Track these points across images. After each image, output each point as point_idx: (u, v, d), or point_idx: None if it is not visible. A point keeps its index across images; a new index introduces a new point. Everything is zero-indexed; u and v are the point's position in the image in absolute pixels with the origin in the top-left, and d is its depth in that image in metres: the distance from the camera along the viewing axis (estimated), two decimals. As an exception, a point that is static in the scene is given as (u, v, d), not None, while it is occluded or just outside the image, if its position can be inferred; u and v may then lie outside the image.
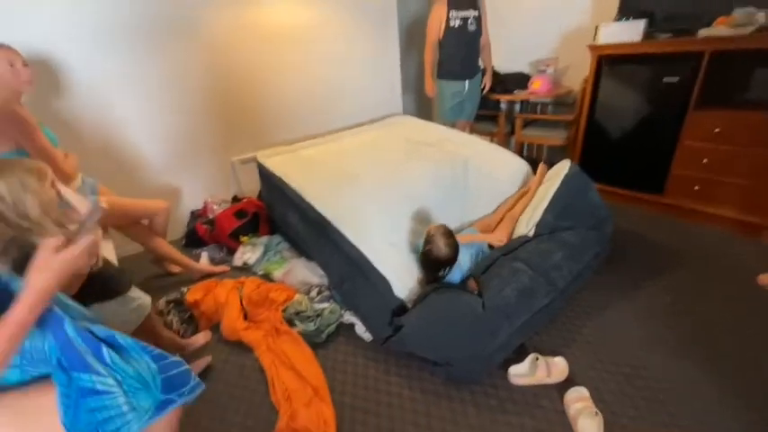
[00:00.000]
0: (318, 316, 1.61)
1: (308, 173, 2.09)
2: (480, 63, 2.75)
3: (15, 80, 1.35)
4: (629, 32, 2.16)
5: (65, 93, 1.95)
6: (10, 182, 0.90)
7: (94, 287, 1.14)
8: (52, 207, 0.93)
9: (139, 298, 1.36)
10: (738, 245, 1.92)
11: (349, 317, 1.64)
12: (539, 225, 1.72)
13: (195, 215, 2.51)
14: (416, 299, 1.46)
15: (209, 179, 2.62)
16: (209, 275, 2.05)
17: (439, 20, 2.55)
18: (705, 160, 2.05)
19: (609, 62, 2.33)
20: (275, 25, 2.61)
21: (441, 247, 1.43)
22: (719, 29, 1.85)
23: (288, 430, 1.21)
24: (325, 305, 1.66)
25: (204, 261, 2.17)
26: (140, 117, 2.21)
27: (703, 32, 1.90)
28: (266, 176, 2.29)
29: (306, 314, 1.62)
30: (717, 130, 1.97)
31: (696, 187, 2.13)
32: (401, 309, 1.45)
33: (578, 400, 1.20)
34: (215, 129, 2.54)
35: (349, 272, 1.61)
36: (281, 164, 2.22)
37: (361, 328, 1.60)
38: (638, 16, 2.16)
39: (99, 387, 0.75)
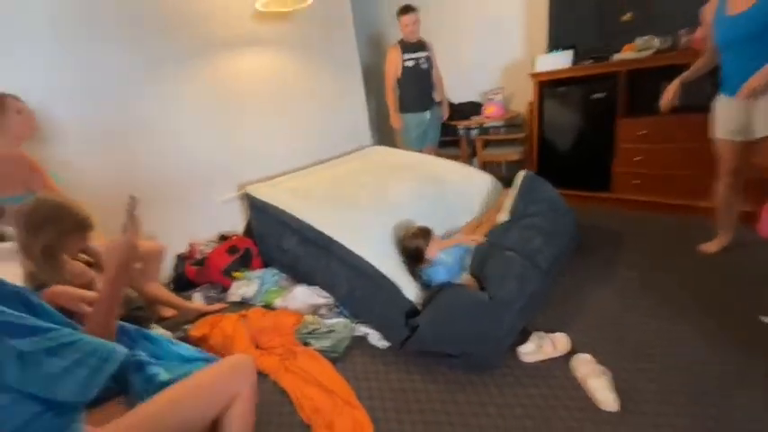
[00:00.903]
0: (332, 331, 1.66)
1: (301, 199, 2.19)
2: (435, 96, 3.10)
3: (23, 127, 1.37)
4: (561, 61, 2.60)
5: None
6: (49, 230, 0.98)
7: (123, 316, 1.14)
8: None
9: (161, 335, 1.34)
10: (676, 223, 2.27)
11: (361, 328, 1.70)
12: (512, 210, 2.00)
13: (182, 258, 2.46)
14: (424, 300, 1.57)
15: (190, 223, 2.60)
16: (205, 315, 2.01)
17: (395, 62, 2.92)
18: (638, 158, 2.45)
19: (547, 86, 2.76)
20: (250, 72, 2.78)
21: (409, 238, 1.80)
22: (628, 54, 2.31)
23: (325, 439, 1.22)
24: (338, 320, 1.71)
25: (198, 301, 2.13)
26: (117, 165, 2.20)
27: (616, 57, 2.36)
28: (258, 208, 2.35)
29: (320, 331, 1.65)
30: (642, 132, 2.39)
31: (636, 181, 2.51)
32: (413, 311, 1.55)
33: (583, 365, 1.35)
34: (193, 172, 2.57)
35: (358, 283, 1.69)
36: (272, 193, 2.30)
37: (374, 337, 1.66)
38: (564, 48, 2.62)
39: None
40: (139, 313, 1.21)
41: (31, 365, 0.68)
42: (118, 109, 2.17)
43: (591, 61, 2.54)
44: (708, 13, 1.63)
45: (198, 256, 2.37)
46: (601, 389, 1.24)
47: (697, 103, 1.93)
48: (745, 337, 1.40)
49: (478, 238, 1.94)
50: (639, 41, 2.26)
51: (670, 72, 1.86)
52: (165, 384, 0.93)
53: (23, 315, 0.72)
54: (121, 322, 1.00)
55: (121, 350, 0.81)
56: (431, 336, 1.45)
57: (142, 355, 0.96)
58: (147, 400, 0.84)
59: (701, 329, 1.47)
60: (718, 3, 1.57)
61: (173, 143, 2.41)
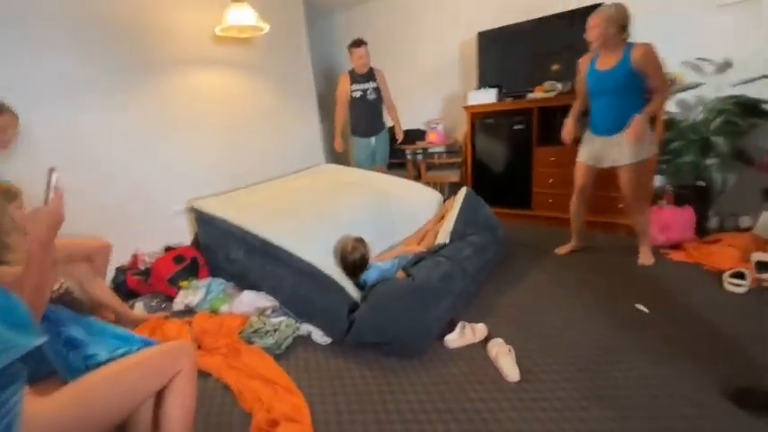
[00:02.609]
0: (276, 330, 1.75)
1: (248, 211, 2.30)
2: (387, 121, 3.40)
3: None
4: (488, 97, 3.03)
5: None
6: None
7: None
8: (14, 225, 1.06)
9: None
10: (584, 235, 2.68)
11: (305, 327, 1.81)
12: (452, 233, 2.22)
13: (122, 270, 2.40)
14: (362, 297, 1.74)
15: (134, 236, 2.56)
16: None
17: (344, 90, 3.20)
18: (551, 180, 2.88)
19: (478, 117, 3.17)
20: (206, 91, 2.89)
21: (350, 251, 1.92)
22: (538, 93, 2.78)
23: (265, 422, 1.30)
24: (282, 319, 1.81)
25: (140, 311, 2.10)
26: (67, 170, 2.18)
27: (530, 96, 2.82)
28: (204, 221, 2.40)
29: (264, 329, 1.74)
30: (552, 159, 2.83)
31: (550, 200, 2.93)
32: (355, 306, 1.71)
33: (495, 346, 1.58)
34: (142, 183, 2.58)
35: (302, 284, 1.82)
36: (219, 206, 2.38)
37: (317, 334, 1.77)
38: (491, 86, 3.06)
39: None
40: (76, 304, 1.24)
41: None
42: (64, 119, 2.18)
43: (511, 99, 3.00)
44: (582, 64, 2.09)
45: (141, 267, 2.35)
46: (507, 364, 1.47)
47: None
48: (621, 319, 1.73)
49: (417, 248, 2.17)
50: (546, 84, 2.75)
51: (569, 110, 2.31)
52: (103, 363, 0.99)
53: None
54: (56, 306, 1.05)
55: (30, 341, 0.81)
56: (366, 326, 1.61)
57: (78, 333, 1.02)
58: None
59: (591, 315, 1.79)
60: (592, 57, 2.03)
61: (118, 156, 2.42)
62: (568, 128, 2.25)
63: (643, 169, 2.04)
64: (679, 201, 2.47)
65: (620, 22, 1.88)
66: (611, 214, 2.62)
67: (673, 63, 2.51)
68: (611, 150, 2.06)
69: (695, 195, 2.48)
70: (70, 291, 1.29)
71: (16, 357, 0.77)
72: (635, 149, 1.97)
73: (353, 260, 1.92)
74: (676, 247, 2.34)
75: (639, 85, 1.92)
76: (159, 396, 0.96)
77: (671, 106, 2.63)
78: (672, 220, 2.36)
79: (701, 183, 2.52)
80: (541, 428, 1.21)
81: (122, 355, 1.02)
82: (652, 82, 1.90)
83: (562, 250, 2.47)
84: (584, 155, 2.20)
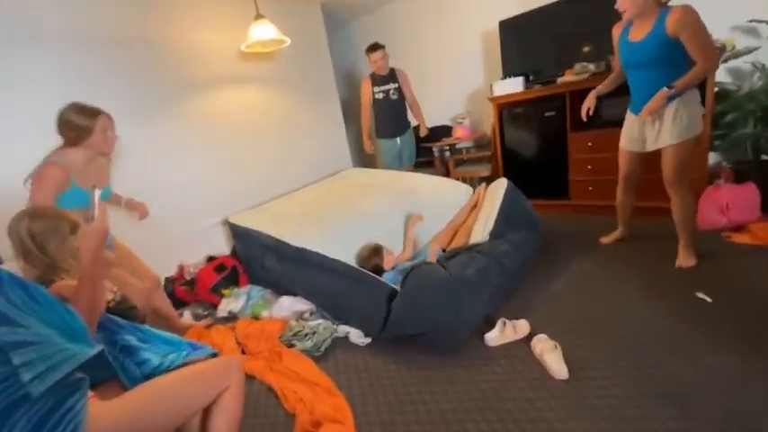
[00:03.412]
0: (315, 333, 1.78)
1: (278, 222, 2.37)
2: (411, 119, 3.38)
3: (103, 145, 1.60)
4: (514, 86, 2.92)
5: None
6: (45, 225, 1.12)
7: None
8: (72, 252, 1.15)
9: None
10: (632, 224, 2.50)
11: (342, 328, 1.83)
12: (492, 233, 2.12)
13: (170, 280, 2.56)
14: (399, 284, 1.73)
15: (179, 246, 2.72)
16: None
17: (367, 93, 3.22)
18: (589, 166, 2.72)
19: (505, 108, 3.07)
20: (234, 108, 3.02)
21: (365, 259, 1.98)
22: (569, 77, 2.64)
23: (308, 423, 1.32)
24: (320, 321, 1.84)
25: (188, 318, 2.22)
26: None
27: (560, 80, 2.69)
28: (239, 234, 2.51)
29: (303, 332, 1.77)
30: (590, 144, 2.67)
31: (590, 188, 2.77)
32: (394, 294, 1.68)
33: (540, 342, 1.50)
34: (184, 198, 2.73)
35: (337, 284, 1.84)
36: (252, 219, 2.47)
37: (355, 335, 1.78)
38: (516, 75, 2.96)
39: None
40: (131, 312, 1.33)
41: None
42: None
43: (540, 85, 2.87)
44: (615, 34, 1.91)
45: (187, 277, 2.49)
46: (554, 360, 1.40)
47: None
48: (680, 310, 1.58)
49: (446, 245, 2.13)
50: (577, 66, 2.60)
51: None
52: (156, 368, 1.05)
53: (9, 306, 0.78)
54: (112, 315, 1.13)
55: (86, 351, 0.85)
56: (402, 315, 1.59)
57: (132, 340, 1.09)
58: (144, 383, 0.96)
59: (645, 305, 1.66)
60: (625, 26, 1.85)
61: (160, 173, 2.58)
62: (587, 103, 2.04)
63: (689, 150, 1.78)
64: (739, 178, 2.24)
65: None
66: (664, 199, 2.40)
67: (721, 28, 2.29)
68: (651, 131, 1.85)
69: (758, 170, 2.23)
70: (126, 300, 1.39)
71: (76, 367, 0.82)
72: (677, 128, 1.74)
73: (367, 268, 1.93)
74: (740, 228, 2.12)
75: (680, 55, 1.65)
76: (207, 410, 1.00)
77: (721, 75, 2.40)
78: (732, 200, 2.14)
79: (765, 156, 2.27)
80: (594, 428, 1.13)
81: (172, 360, 1.08)
82: (690, 50, 1.62)
83: (607, 239, 2.31)
84: (625, 139, 2.02)
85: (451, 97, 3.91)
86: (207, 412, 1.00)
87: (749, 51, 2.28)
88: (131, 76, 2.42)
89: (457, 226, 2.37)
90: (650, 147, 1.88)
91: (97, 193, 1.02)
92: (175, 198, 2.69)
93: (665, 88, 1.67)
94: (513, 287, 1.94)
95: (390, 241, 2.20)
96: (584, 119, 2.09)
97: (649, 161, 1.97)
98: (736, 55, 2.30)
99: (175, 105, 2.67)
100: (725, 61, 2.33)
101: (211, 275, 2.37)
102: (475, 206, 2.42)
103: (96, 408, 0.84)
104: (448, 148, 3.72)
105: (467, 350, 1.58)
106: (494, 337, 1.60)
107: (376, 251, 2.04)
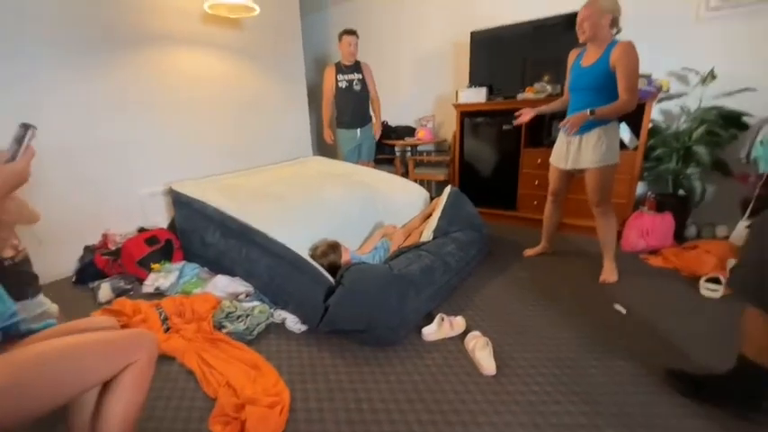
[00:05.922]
0: (248, 315, 1.68)
1: (228, 195, 2.23)
2: (371, 114, 3.37)
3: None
4: (477, 95, 3.03)
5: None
6: None
7: (9, 278, 1.10)
8: None
9: (45, 305, 1.29)
10: (560, 239, 2.69)
11: (279, 313, 1.75)
12: (435, 230, 2.18)
13: (90, 249, 2.30)
14: (336, 279, 1.69)
15: (107, 214, 2.46)
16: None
17: (330, 81, 3.16)
18: (536, 182, 2.89)
19: (467, 116, 3.17)
20: (191, 71, 2.80)
21: (319, 257, 1.89)
22: (528, 94, 2.79)
23: (231, 407, 1.24)
24: (255, 304, 1.74)
25: (106, 291, 2.00)
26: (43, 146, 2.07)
27: (521, 96, 2.83)
28: (182, 203, 2.32)
29: (236, 314, 1.67)
30: (539, 161, 2.84)
31: (535, 202, 2.94)
32: (332, 290, 1.65)
33: (473, 339, 1.55)
34: (118, 162, 2.48)
35: (278, 269, 1.76)
36: (198, 189, 2.30)
37: (292, 322, 1.72)
38: (481, 85, 3.06)
39: None
40: (24, 278, 1.16)
41: None
42: (36, 91, 2.08)
43: (501, 98, 3.00)
44: (570, 58, 2.04)
45: (111, 247, 2.25)
46: (484, 357, 1.45)
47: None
48: (598, 318, 1.72)
49: (397, 233, 2.14)
50: (536, 86, 2.76)
51: (561, 112, 2.20)
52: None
53: None
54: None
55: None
56: (340, 312, 1.56)
57: None
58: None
59: (569, 312, 1.78)
60: (580, 52, 1.99)
61: (91, 132, 2.32)
62: (525, 115, 2.14)
63: (609, 176, 1.95)
64: (660, 208, 2.50)
65: (613, 14, 1.78)
66: (591, 217, 2.61)
67: (660, 72, 2.56)
68: (572, 151, 1.98)
69: (675, 203, 2.51)
70: (26, 263, 1.21)
71: None
72: (597, 154, 1.89)
73: (322, 265, 1.83)
74: (655, 252, 2.37)
75: (616, 86, 1.77)
76: (104, 391, 0.85)
77: (655, 113, 2.67)
78: (652, 226, 2.39)
79: (682, 192, 2.56)
80: (514, 421, 1.18)
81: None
82: (619, 83, 1.74)
83: (530, 252, 2.46)
84: (554, 156, 2.13)
85: (418, 98, 3.96)
86: (104, 393, 0.85)
87: (679, 96, 2.56)
88: (74, 9, 2.15)
89: (411, 229, 2.40)
90: (570, 165, 2.03)
91: (32, 132, 0.82)
92: (114, 159, 2.44)
93: (587, 110, 1.81)
94: (455, 285, 1.99)
95: (343, 234, 2.16)
96: (515, 123, 2.21)
97: (579, 182, 2.12)
98: (670, 97, 2.57)
99: (124, 55, 2.42)
100: (659, 101, 2.60)
101: (141, 247, 2.17)
102: (430, 215, 2.47)
103: None
104: (410, 148, 3.77)
105: (403, 343, 1.59)
106: (431, 332, 1.62)
107: (333, 247, 1.96)
